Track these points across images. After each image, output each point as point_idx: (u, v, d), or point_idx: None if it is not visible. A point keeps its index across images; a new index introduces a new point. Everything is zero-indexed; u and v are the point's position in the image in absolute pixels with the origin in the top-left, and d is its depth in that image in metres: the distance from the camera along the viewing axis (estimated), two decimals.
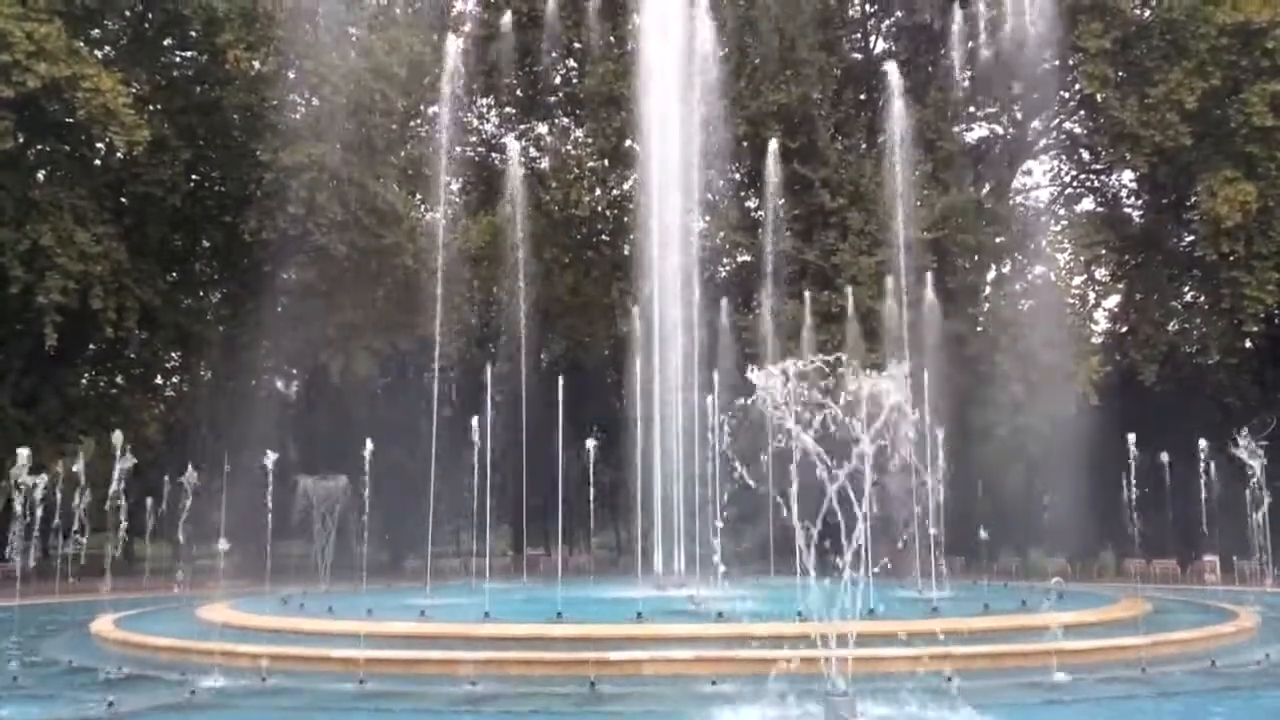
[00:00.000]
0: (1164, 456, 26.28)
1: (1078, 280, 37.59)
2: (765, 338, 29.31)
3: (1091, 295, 38.83)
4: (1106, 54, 33.74)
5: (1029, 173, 42.76)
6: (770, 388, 8.96)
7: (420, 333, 30.81)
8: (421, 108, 35.65)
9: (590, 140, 37.92)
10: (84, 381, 37.90)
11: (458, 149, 32.63)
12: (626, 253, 34.86)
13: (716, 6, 30.21)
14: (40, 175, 32.89)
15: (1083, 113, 38.73)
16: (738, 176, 36.52)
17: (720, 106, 27.62)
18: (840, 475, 8.59)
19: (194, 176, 35.74)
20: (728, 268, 37.07)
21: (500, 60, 36.09)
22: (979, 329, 34.20)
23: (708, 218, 32.18)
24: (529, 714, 10.64)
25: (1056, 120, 40.44)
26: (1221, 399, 36.45)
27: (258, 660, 12.52)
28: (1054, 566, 32.19)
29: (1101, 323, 40.88)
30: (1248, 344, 35.32)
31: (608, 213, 37.74)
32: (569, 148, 38.53)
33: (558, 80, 40.14)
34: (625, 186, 36.40)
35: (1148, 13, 35.96)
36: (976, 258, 35.74)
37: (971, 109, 39.41)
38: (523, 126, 41.27)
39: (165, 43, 36.29)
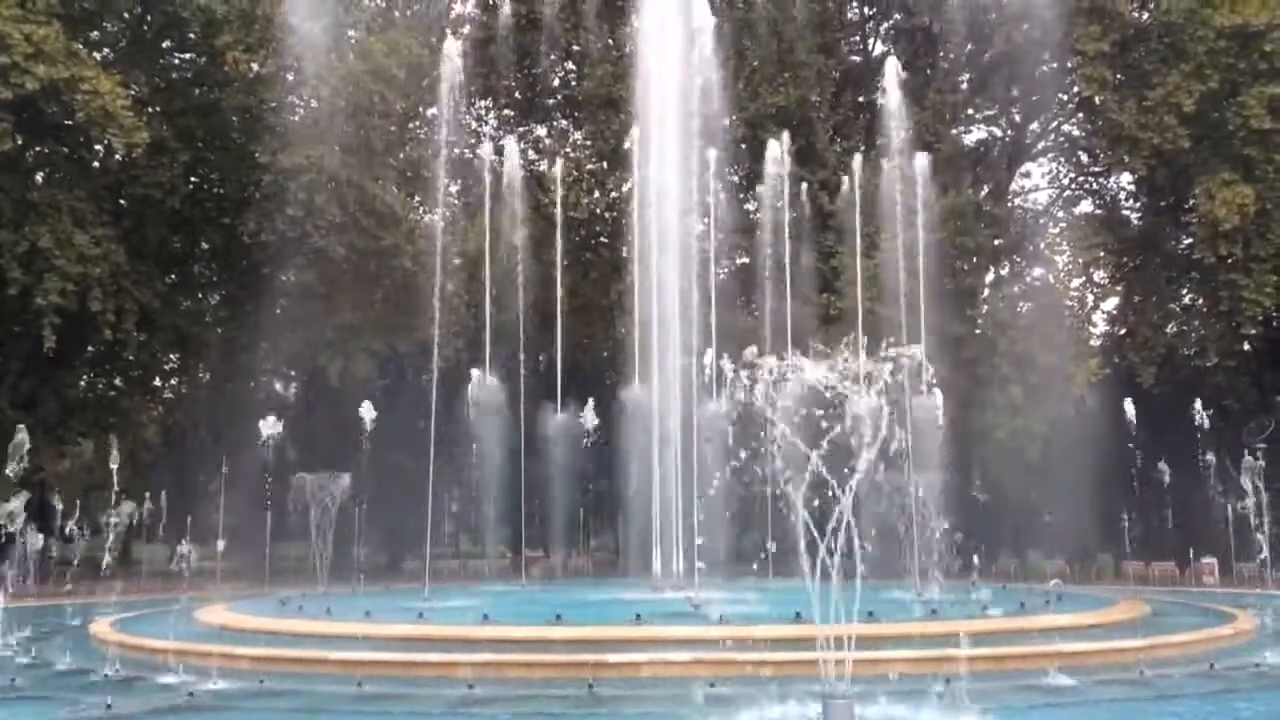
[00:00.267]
0: (1161, 462, 26.31)
1: (1076, 282, 37.65)
2: (764, 340, 29.30)
3: (1090, 297, 38.89)
4: (1105, 56, 33.77)
5: (1027, 175, 42.87)
6: (761, 372, 8.88)
7: (419, 335, 30.82)
8: (420, 109, 35.66)
9: (589, 143, 37.93)
10: (82, 383, 37.84)
11: (456, 151, 32.62)
12: (625, 255, 34.87)
13: (715, 9, 30.22)
14: (39, 177, 32.87)
15: (1081, 115, 38.76)
16: (736, 179, 36.52)
17: (719, 109, 27.62)
18: (841, 483, 8.53)
19: (193, 178, 35.72)
20: (726, 270, 37.06)
21: (499, 62, 36.13)
22: (977, 331, 34.23)
23: (706, 220, 32.19)
24: (528, 716, 10.64)
25: (1055, 123, 40.49)
26: (1220, 401, 36.47)
27: (256, 662, 12.53)
28: (1053, 568, 32.17)
29: (1100, 325, 40.98)
30: (1246, 346, 35.32)
31: (606, 215, 37.75)
32: (568, 150, 38.55)
33: (556, 82, 40.17)
34: (624, 189, 36.41)
35: (1146, 15, 36.03)
36: (975, 260, 35.76)
37: (970, 111, 39.47)
38: (521, 129, 41.29)
39: (164, 45, 36.31)
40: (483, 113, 41.12)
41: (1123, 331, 39.39)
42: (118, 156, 32.53)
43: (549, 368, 37.19)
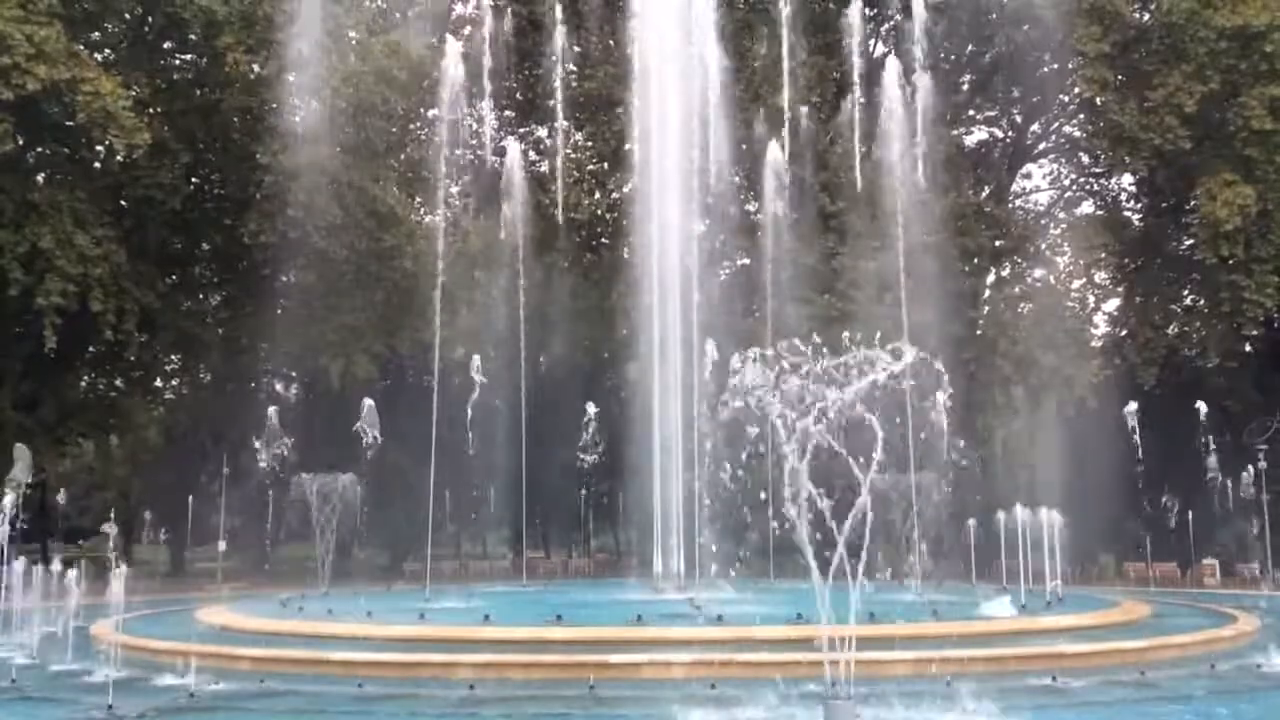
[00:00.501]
0: (1162, 463, 26.29)
1: (1077, 283, 37.62)
2: (766, 341, 29.26)
3: (1091, 298, 38.86)
4: (1106, 57, 33.74)
5: (1028, 176, 42.85)
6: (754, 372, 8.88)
7: (420, 336, 30.81)
8: (421, 110, 35.66)
9: (590, 144, 37.92)
10: (83, 384, 37.86)
11: (457, 152, 32.63)
12: (625, 256, 34.86)
13: (715, 10, 30.23)
14: (40, 178, 32.87)
15: (1082, 116, 38.71)
16: (737, 180, 36.50)
17: (719, 110, 27.61)
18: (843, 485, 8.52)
19: (194, 179, 35.70)
20: (727, 271, 37.05)
21: (498, 63, 36.07)
22: (978, 332, 34.20)
23: (707, 221, 32.20)
24: (528, 717, 10.63)
25: (1056, 123, 40.47)
26: (1221, 402, 36.46)
27: (257, 663, 12.53)
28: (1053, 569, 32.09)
29: (1101, 326, 40.95)
30: (1247, 347, 35.32)
31: (607, 216, 37.74)
32: (569, 151, 38.52)
33: (557, 83, 40.14)
34: (625, 190, 36.40)
35: (1147, 16, 35.97)
36: (976, 261, 35.74)
37: (971, 112, 39.44)
38: (522, 130, 41.27)
39: (165, 46, 36.25)
40: (482, 114, 41.12)
41: (1124, 332, 39.35)
42: (119, 157, 32.50)
43: (549, 368, 37.24)
